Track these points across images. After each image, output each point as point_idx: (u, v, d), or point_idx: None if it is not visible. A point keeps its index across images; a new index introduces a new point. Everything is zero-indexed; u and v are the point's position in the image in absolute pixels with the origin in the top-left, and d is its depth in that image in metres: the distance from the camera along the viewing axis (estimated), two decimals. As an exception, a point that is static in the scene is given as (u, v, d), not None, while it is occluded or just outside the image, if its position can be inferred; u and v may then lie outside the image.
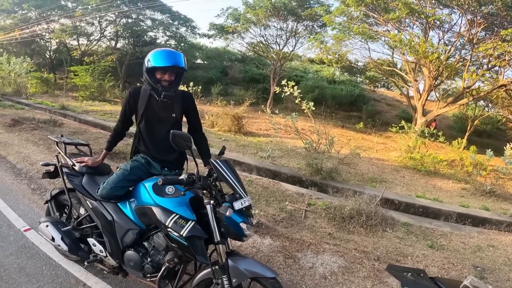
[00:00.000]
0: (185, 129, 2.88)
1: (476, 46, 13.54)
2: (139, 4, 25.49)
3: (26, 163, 6.63)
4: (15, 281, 3.12)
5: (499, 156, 9.24)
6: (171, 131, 2.37)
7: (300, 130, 8.68)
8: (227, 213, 2.21)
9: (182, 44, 27.57)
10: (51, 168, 3.50)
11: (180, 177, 2.34)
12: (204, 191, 2.37)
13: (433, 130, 11.62)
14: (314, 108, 8.10)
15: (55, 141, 3.47)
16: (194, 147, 2.75)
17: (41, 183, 5.66)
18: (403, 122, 12.80)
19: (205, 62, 31.00)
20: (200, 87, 15.75)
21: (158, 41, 28.07)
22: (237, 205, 2.30)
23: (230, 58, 30.69)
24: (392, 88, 29.86)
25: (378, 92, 29.25)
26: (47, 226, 3.14)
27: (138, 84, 3.28)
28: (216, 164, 2.42)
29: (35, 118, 10.81)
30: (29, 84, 21.94)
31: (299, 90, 8.04)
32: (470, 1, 12.13)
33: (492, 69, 15.64)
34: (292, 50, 21.70)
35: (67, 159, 3.26)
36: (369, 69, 21.69)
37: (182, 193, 2.32)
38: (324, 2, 19.05)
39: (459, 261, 4.35)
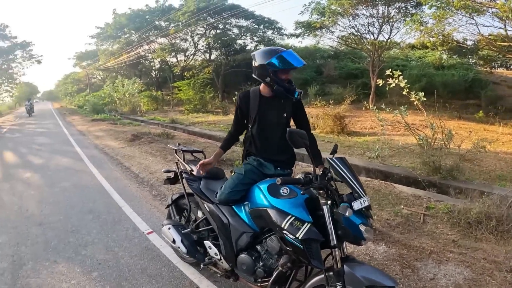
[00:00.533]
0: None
1: None
2: (223, 14, 26.51)
3: (147, 172, 7.51)
4: (137, 282, 3.42)
5: None
6: (288, 129, 2.33)
7: (411, 125, 8.06)
8: (347, 214, 2.11)
9: (271, 48, 28.09)
10: (172, 175, 3.82)
11: (297, 177, 2.31)
12: (321, 191, 2.30)
13: None
14: (425, 99, 7.43)
15: (173, 149, 3.74)
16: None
17: (161, 190, 6.31)
18: (532, 105, 11.15)
19: None
20: None
21: (247, 47, 29.06)
22: (356, 205, 2.17)
23: (323, 56, 30.12)
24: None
25: (496, 73, 26.07)
26: (169, 228, 3.43)
27: (236, 93, 3.33)
28: (332, 162, 2.34)
29: (151, 133, 12.17)
30: (142, 103, 24.60)
31: (405, 81, 7.44)
32: None
33: None
34: (389, 38, 20.15)
35: (186, 165, 3.47)
36: (482, 48, 19.22)
37: (301, 193, 2.29)
38: None
39: None
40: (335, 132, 11.34)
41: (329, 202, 2.25)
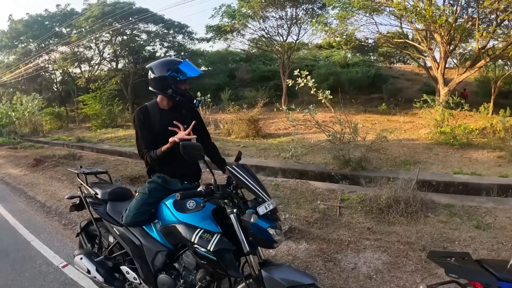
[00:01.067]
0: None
1: (481, 2, 12.91)
2: (130, 19, 25.30)
3: (54, 200, 6.86)
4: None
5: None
6: (181, 143, 2.32)
7: (321, 123, 8.41)
8: (252, 220, 2.10)
9: (182, 53, 27.50)
10: (77, 200, 3.55)
11: (198, 189, 2.28)
12: (226, 201, 2.28)
13: (463, 99, 11.17)
14: (331, 97, 7.79)
15: (75, 173, 3.54)
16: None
17: (71, 218, 5.77)
18: (425, 95, 12.30)
19: (209, 68, 30.90)
20: (208, 96, 15.06)
21: (157, 54, 28.03)
22: (261, 209, 2.18)
23: (235, 59, 30.38)
24: (408, 61, 29.01)
25: (395, 68, 28.52)
26: (81, 258, 3.14)
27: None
28: (232, 170, 2.33)
29: (55, 155, 11.11)
30: (43, 122, 22.46)
31: (313, 80, 7.74)
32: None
33: (503, 25, 14.89)
34: (297, 39, 21.00)
35: (89, 188, 3.30)
36: (381, 45, 20.94)
37: (201, 205, 2.24)
38: None
39: (508, 239, 4.07)
40: (251, 136, 11.42)
41: (235, 210, 2.23)
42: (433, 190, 6.10)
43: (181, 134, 2.56)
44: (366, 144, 7.59)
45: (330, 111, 8.19)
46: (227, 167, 2.41)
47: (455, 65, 18.33)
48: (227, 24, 20.27)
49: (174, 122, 2.65)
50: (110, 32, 25.69)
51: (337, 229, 4.51)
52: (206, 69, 30.79)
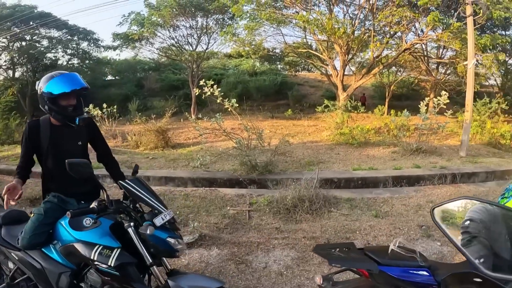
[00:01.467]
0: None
1: (376, 16, 14.31)
2: (31, 23, 23.06)
3: None
4: None
5: (417, 114, 9.81)
6: (66, 160, 2.24)
7: (230, 130, 8.52)
8: (148, 231, 2.11)
9: (87, 61, 25.96)
10: None
11: (91, 206, 2.24)
12: (122, 215, 2.27)
13: (362, 104, 12.14)
14: (237, 105, 7.94)
15: None
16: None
17: None
18: (326, 101, 13.15)
19: (116, 77, 29.48)
20: (115, 106, 14.23)
21: (59, 62, 25.82)
22: (158, 221, 2.21)
23: (144, 68, 29.38)
24: (312, 69, 30.74)
25: (299, 76, 30.00)
26: None
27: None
28: (125, 185, 2.34)
29: None
30: None
31: (219, 89, 7.78)
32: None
33: (395, 36, 16.77)
34: (207, 48, 21.02)
35: None
36: (287, 54, 21.98)
37: (93, 221, 2.25)
38: None
39: (404, 224, 4.56)
40: (160, 147, 11.08)
41: (132, 223, 2.22)
42: (335, 186, 6.51)
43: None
44: (272, 148, 7.89)
45: (238, 118, 8.34)
46: (120, 182, 2.39)
47: (353, 73, 19.98)
48: (135, 32, 19.46)
49: None
50: (8, 37, 23.14)
51: (247, 232, 4.62)
52: (113, 78, 29.40)
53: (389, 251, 1.80)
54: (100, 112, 12.83)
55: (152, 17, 18.49)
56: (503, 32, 18.89)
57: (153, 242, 2.19)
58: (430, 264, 1.70)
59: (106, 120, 13.27)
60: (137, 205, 2.37)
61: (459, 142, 9.75)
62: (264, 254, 3.92)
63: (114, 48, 23.29)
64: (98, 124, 8.45)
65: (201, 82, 7.76)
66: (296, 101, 21.93)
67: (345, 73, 17.30)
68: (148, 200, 2.28)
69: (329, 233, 4.36)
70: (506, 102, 13.46)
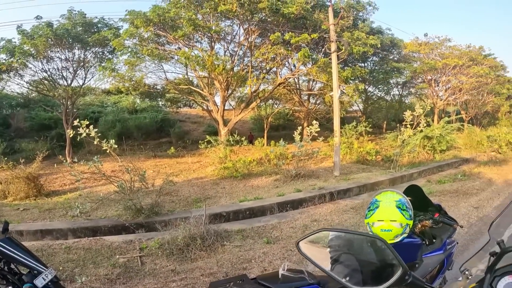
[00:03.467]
0: None
1: (254, 53, 15.27)
2: None
3: None
4: None
5: (293, 142, 10.62)
6: None
7: (111, 173, 8.03)
8: None
9: None
10: None
11: None
12: None
13: (249, 142, 12.61)
14: (116, 146, 7.50)
15: None
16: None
17: None
18: (208, 137, 13.29)
19: None
20: None
21: None
22: (39, 282, 2.02)
23: (10, 104, 25.81)
24: (193, 105, 31.01)
25: (181, 112, 29.91)
26: None
27: None
28: None
29: None
30: None
31: (96, 129, 7.28)
32: (244, 11, 13.61)
33: (271, 71, 18.06)
34: (83, 83, 19.12)
35: None
36: (168, 91, 21.72)
37: None
38: (113, 25, 17.49)
39: (295, 245, 4.75)
40: (32, 196, 9.74)
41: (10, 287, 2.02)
42: (225, 220, 6.60)
43: None
44: (156, 189, 7.65)
45: (118, 160, 7.89)
46: None
47: (233, 107, 20.75)
48: (3, 61, 16.99)
49: None
50: None
51: (142, 279, 4.38)
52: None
53: (280, 276, 1.89)
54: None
55: (24, 45, 16.54)
56: (363, 64, 22.03)
57: None
58: (319, 280, 1.84)
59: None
60: (13, 267, 2.16)
61: (333, 163, 10.75)
62: (164, 299, 3.70)
63: (-23, 79, 20.13)
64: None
65: (76, 122, 7.20)
66: (178, 138, 21.76)
67: (226, 108, 17.84)
68: (24, 261, 2.07)
69: (226, 266, 4.38)
70: (370, 125, 15.72)
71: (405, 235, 2.04)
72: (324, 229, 1.86)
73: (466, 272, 1.88)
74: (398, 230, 2.02)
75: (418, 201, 2.65)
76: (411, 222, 2.06)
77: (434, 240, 2.43)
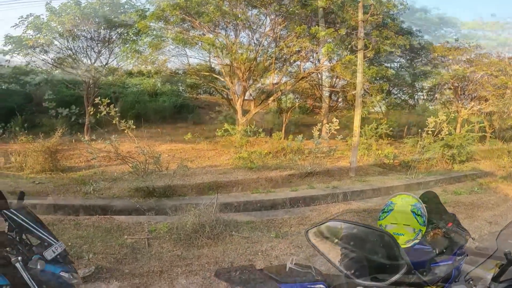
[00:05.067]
0: None
1: (278, 45, 15.09)
2: None
3: None
4: None
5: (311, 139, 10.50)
6: None
7: (126, 153, 8.07)
8: (39, 266, 1.92)
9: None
10: None
11: None
12: (8, 248, 1.99)
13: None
14: (134, 127, 7.54)
15: None
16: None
17: None
18: (225, 125, 13.29)
19: (2, 87, 26.05)
20: None
21: None
22: (49, 254, 2.02)
23: (34, 80, 26.43)
24: (213, 93, 31.03)
25: (201, 98, 30.00)
26: None
27: None
28: (10, 215, 2.09)
29: None
30: None
31: (116, 109, 7.34)
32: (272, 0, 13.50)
33: (294, 64, 17.92)
34: (106, 63, 19.55)
35: None
36: (190, 76, 21.83)
37: None
38: (140, 7, 17.28)
39: (303, 242, 4.73)
40: (48, 170, 9.93)
41: (20, 258, 1.93)
42: (235, 210, 6.59)
43: None
44: (169, 173, 7.67)
45: (135, 141, 7.95)
46: (4, 211, 2.11)
47: (253, 98, 20.67)
48: (30, 37, 17.32)
49: None
50: None
51: (148, 261, 4.40)
52: (-2, 87, 25.92)
53: (287, 269, 1.86)
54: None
55: (52, 22, 16.80)
56: (388, 65, 21.65)
57: (46, 278, 1.97)
58: (325, 278, 1.80)
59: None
60: (24, 237, 2.13)
61: (349, 163, 10.59)
62: (168, 283, 3.79)
63: (4, 54, 20.60)
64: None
65: (97, 100, 7.27)
66: (196, 124, 21.82)
67: (245, 98, 17.78)
68: (37, 232, 2.08)
69: (232, 256, 4.39)
70: (391, 128, 15.42)
71: (416, 241, 1.99)
72: (335, 220, 1.88)
73: (471, 282, 1.82)
74: (411, 235, 2.00)
75: (433, 208, 2.57)
76: (424, 228, 2.01)
77: (444, 250, 2.36)
